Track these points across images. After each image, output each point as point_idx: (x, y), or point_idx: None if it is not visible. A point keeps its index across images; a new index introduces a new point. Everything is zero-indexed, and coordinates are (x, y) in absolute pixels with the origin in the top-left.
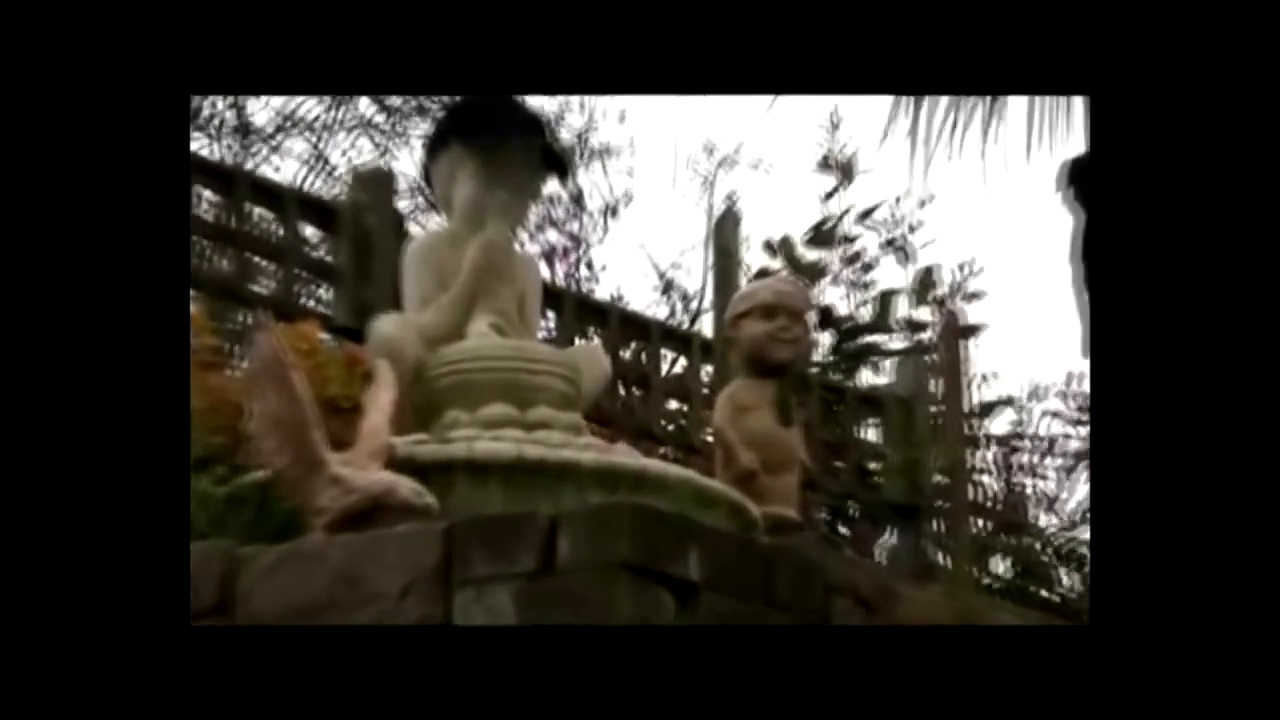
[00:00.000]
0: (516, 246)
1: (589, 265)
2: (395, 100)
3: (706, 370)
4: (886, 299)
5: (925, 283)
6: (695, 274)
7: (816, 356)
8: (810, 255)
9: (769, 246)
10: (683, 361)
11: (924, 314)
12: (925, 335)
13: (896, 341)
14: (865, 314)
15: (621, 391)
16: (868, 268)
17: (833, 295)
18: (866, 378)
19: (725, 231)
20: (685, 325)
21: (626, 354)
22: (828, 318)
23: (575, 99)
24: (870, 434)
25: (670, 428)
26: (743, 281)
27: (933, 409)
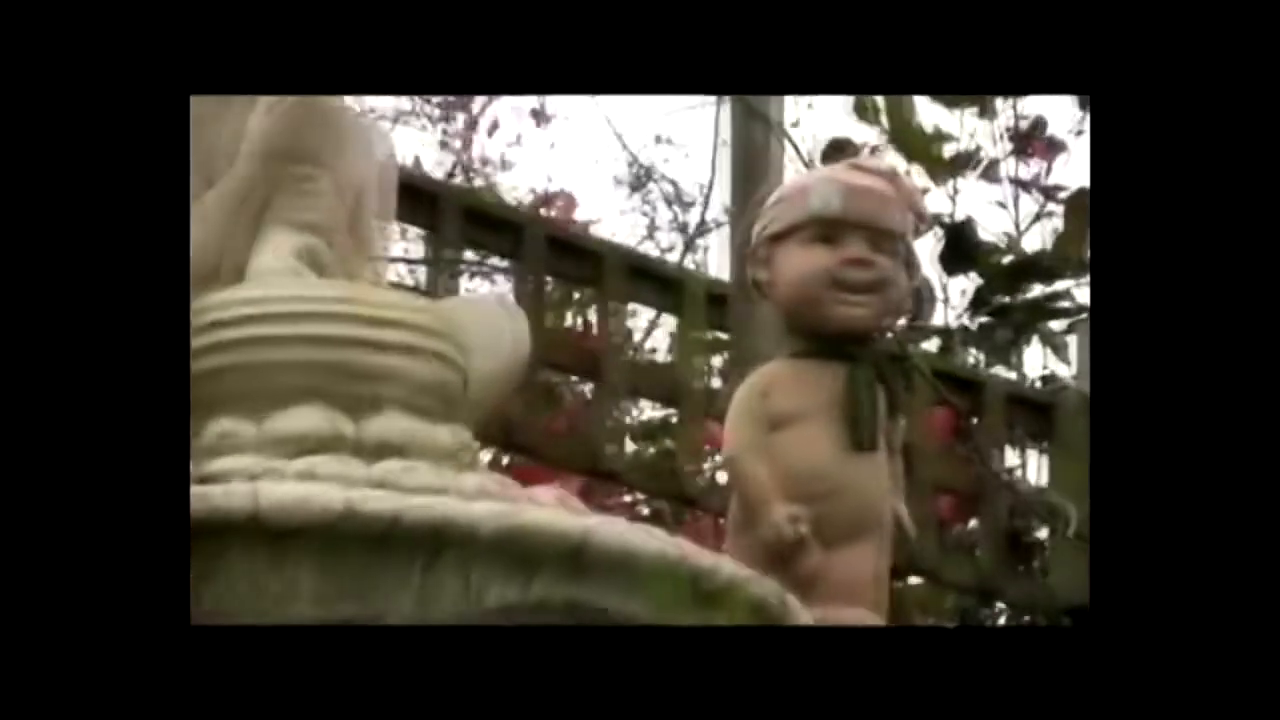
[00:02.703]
0: (348, 100)
1: (491, 136)
2: None
3: (715, 343)
4: (1082, 207)
5: None
6: (697, 156)
7: (934, 319)
8: (942, 129)
9: (862, 106)
10: (670, 324)
11: None
12: None
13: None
14: (1039, 238)
15: (553, 386)
16: (1054, 146)
17: (980, 200)
18: (1034, 362)
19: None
20: (678, 255)
21: (562, 311)
22: (959, 241)
23: None
24: (1037, 470)
25: (644, 456)
26: (790, 173)
27: None
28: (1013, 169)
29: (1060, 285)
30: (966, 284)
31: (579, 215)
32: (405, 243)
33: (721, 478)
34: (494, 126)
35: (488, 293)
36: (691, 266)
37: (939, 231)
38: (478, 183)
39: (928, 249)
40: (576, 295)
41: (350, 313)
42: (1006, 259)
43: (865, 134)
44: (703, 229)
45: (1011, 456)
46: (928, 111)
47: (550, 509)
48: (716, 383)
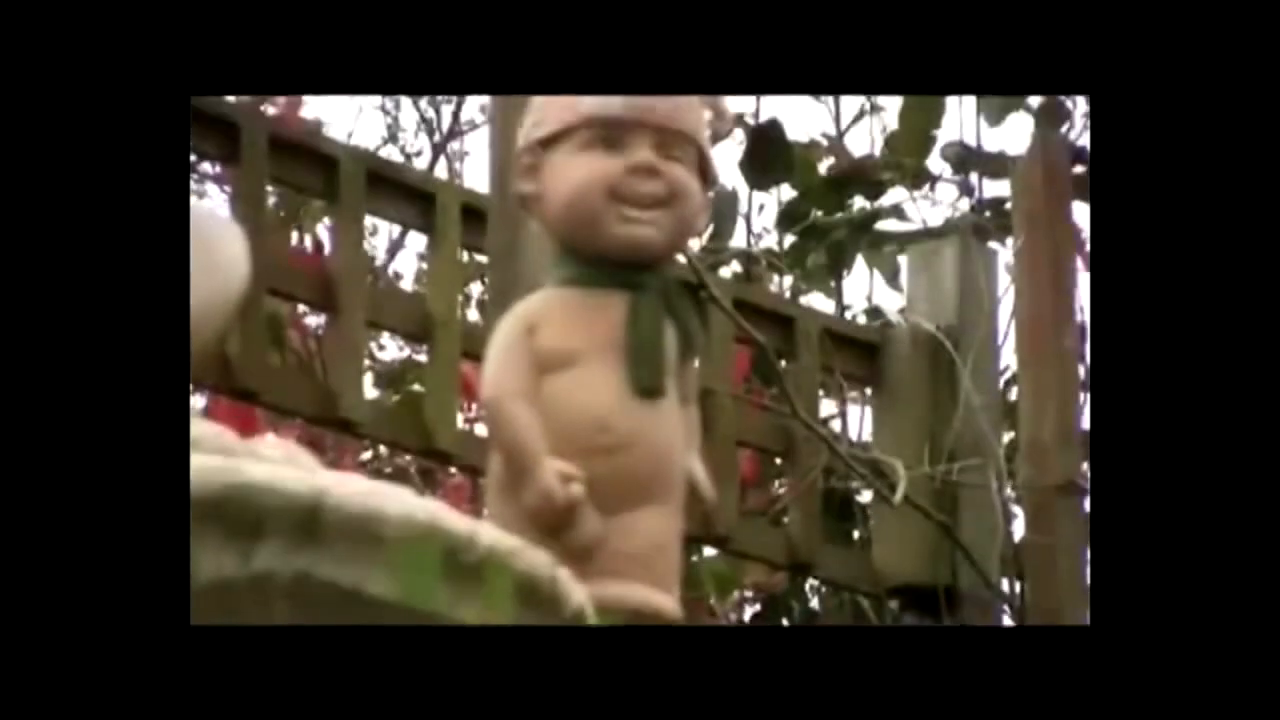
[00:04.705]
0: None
1: None
2: None
3: (470, 265)
4: (920, 111)
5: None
6: None
7: (736, 238)
8: None
9: None
10: (419, 245)
11: (1001, 137)
12: (1005, 193)
13: (928, 206)
14: (865, 141)
15: (277, 316)
16: None
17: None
18: (857, 292)
19: None
20: (427, 162)
21: (289, 227)
22: (767, 145)
23: None
24: (860, 422)
25: (387, 402)
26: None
27: (1008, 364)
28: None
29: (891, 198)
30: (776, 197)
31: (309, 113)
32: None
33: (480, 429)
34: None
35: (198, 205)
36: (444, 175)
37: (741, 133)
38: None
39: (729, 155)
40: (306, 209)
41: None
42: (826, 165)
43: None
44: (456, 131)
45: (828, 405)
46: None
47: (276, 465)
48: (474, 315)
